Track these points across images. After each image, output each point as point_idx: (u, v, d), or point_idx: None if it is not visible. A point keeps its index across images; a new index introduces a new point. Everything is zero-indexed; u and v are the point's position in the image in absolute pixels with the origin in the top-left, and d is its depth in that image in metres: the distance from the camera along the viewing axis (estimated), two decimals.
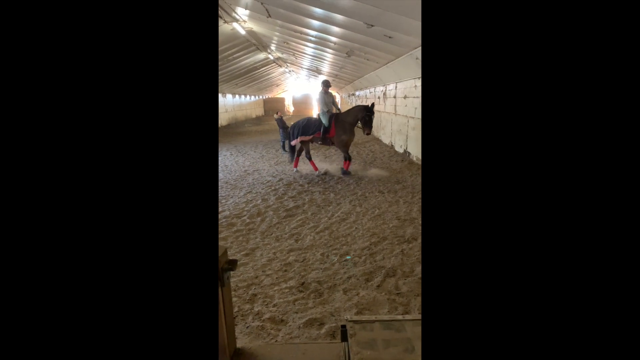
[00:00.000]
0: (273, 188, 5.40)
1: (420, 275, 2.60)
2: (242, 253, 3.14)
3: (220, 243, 3.14)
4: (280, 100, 29.56)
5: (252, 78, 17.55)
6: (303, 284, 2.59)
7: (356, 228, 3.66)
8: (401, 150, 8.00)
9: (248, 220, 4.03)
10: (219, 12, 7.19)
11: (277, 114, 9.12)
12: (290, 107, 30.10)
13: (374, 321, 1.10)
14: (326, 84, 6.12)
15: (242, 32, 8.73)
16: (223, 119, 18.33)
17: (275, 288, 2.55)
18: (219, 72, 12.52)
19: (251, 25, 8.73)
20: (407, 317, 1.11)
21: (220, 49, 9.64)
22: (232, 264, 1.39)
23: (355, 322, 1.10)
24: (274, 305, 2.33)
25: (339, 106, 6.34)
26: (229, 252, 2.76)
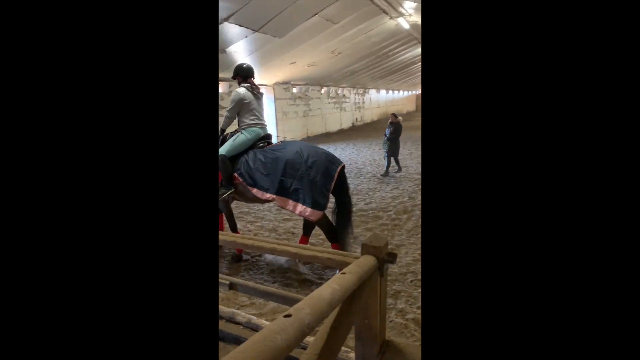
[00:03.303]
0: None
1: None
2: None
3: (371, 233, 3.25)
4: None
5: (408, 73, 17.24)
6: None
7: None
8: None
9: (394, 216, 4.02)
10: (386, 9, 7.29)
11: (392, 117, 6.41)
12: None
13: None
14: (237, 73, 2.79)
15: (406, 26, 8.63)
16: (375, 114, 18.84)
17: (419, 290, 2.46)
18: (377, 69, 12.83)
19: (416, 19, 8.52)
20: None
21: (381, 45, 9.82)
22: (392, 257, 1.40)
23: None
24: (418, 307, 2.25)
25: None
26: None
